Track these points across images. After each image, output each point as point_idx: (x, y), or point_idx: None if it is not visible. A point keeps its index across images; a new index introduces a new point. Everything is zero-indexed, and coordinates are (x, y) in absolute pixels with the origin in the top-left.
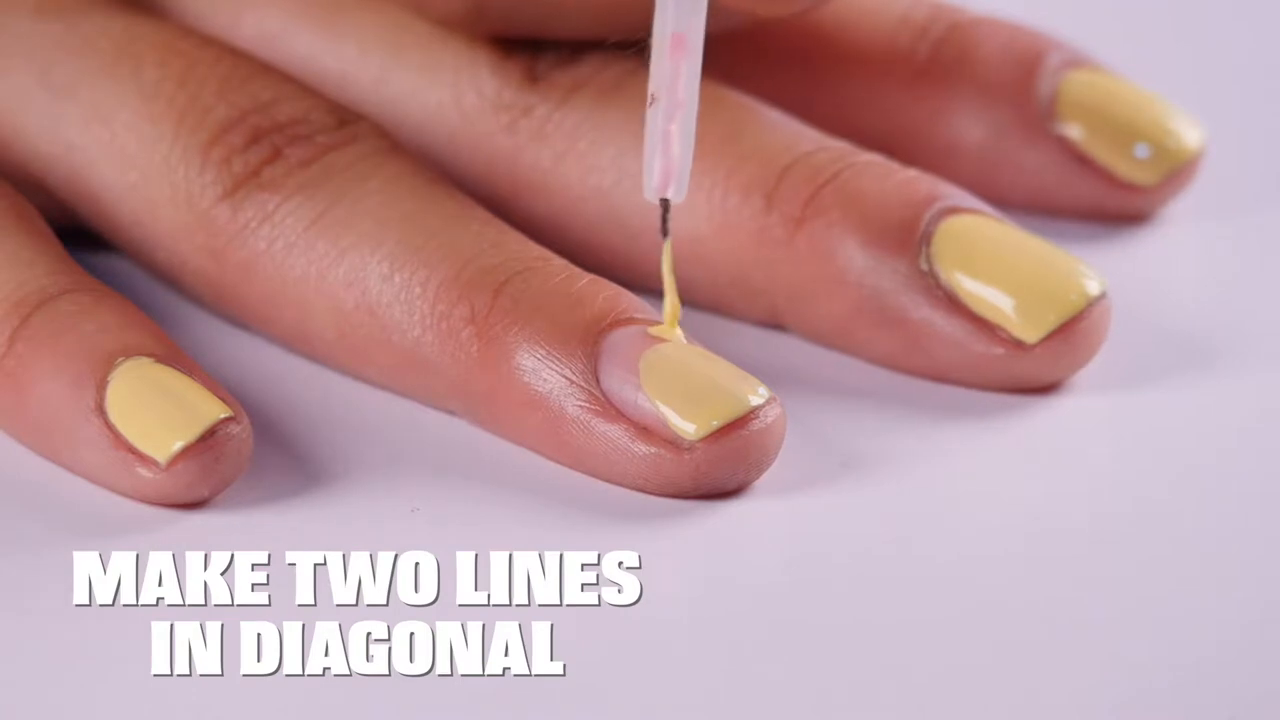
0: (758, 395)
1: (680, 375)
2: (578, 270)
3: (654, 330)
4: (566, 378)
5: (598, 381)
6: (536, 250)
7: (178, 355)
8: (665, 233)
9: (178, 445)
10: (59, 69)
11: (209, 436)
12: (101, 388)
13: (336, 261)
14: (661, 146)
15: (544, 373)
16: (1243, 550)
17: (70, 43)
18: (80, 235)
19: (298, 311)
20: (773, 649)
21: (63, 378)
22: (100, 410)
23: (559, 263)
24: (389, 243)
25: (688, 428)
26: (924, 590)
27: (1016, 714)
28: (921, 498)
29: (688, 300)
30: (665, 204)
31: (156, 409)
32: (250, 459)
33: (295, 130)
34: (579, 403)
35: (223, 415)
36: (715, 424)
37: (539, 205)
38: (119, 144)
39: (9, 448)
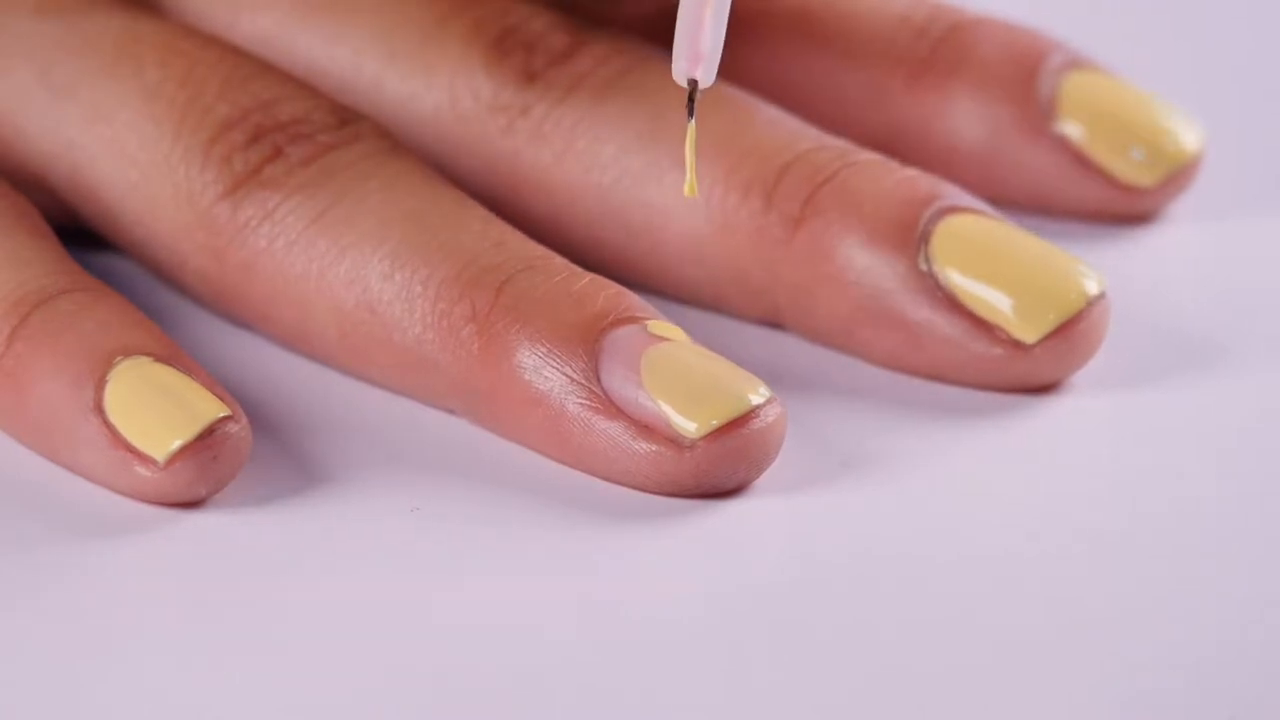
0: (758, 394)
1: (681, 374)
2: (579, 269)
3: (654, 327)
4: (567, 376)
5: (598, 380)
6: (538, 249)
7: (177, 354)
8: (691, 114)
9: (176, 444)
10: (60, 68)
11: (207, 436)
12: (100, 387)
13: (337, 260)
14: (693, 30)
15: (545, 371)
16: (1243, 551)
17: (71, 42)
18: (80, 235)
19: (298, 310)
20: (773, 649)
21: (62, 377)
22: (99, 409)
23: (560, 261)
24: (390, 241)
25: (688, 426)
26: (924, 590)
27: (1017, 714)
28: (921, 497)
29: (686, 300)
30: (693, 84)
31: (155, 408)
32: (248, 458)
33: (297, 129)
34: (580, 400)
35: (221, 414)
36: (715, 423)
37: (538, 204)
38: (120, 143)
39: (9, 447)
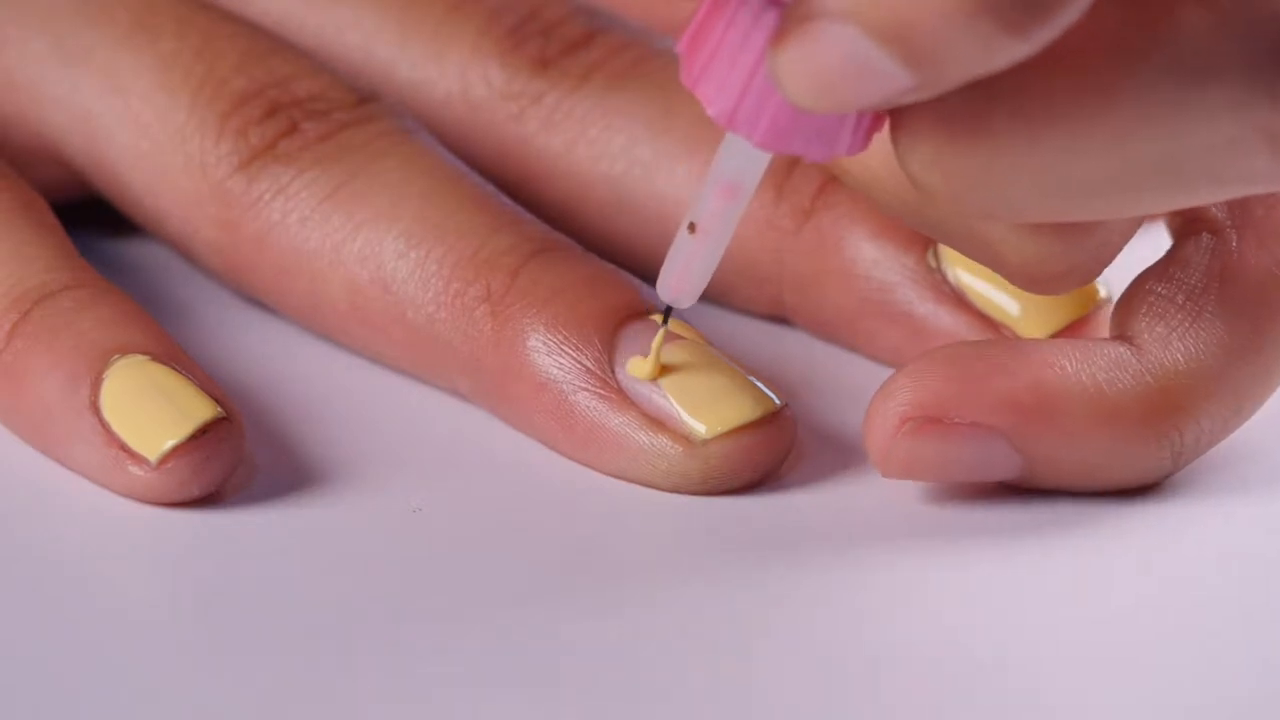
0: (771, 402)
1: (696, 376)
2: (595, 257)
3: (671, 324)
4: (582, 364)
5: (613, 370)
6: (554, 234)
7: (175, 353)
8: (665, 320)
9: (169, 444)
10: (75, 38)
11: (200, 436)
12: (96, 385)
13: (351, 236)
14: (684, 266)
15: (558, 356)
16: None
17: (88, 11)
18: (88, 220)
19: (310, 284)
20: (774, 648)
21: (58, 374)
22: (94, 407)
23: (577, 248)
24: (405, 219)
25: (699, 429)
26: (928, 587)
27: (1022, 713)
28: (925, 496)
29: None
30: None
31: (149, 407)
32: (243, 459)
33: (313, 105)
34: (593, 389)
35: (215, 415)
36: (726, 428)
37: (549, 192)
38: (135, 113)
39: (8, 446)
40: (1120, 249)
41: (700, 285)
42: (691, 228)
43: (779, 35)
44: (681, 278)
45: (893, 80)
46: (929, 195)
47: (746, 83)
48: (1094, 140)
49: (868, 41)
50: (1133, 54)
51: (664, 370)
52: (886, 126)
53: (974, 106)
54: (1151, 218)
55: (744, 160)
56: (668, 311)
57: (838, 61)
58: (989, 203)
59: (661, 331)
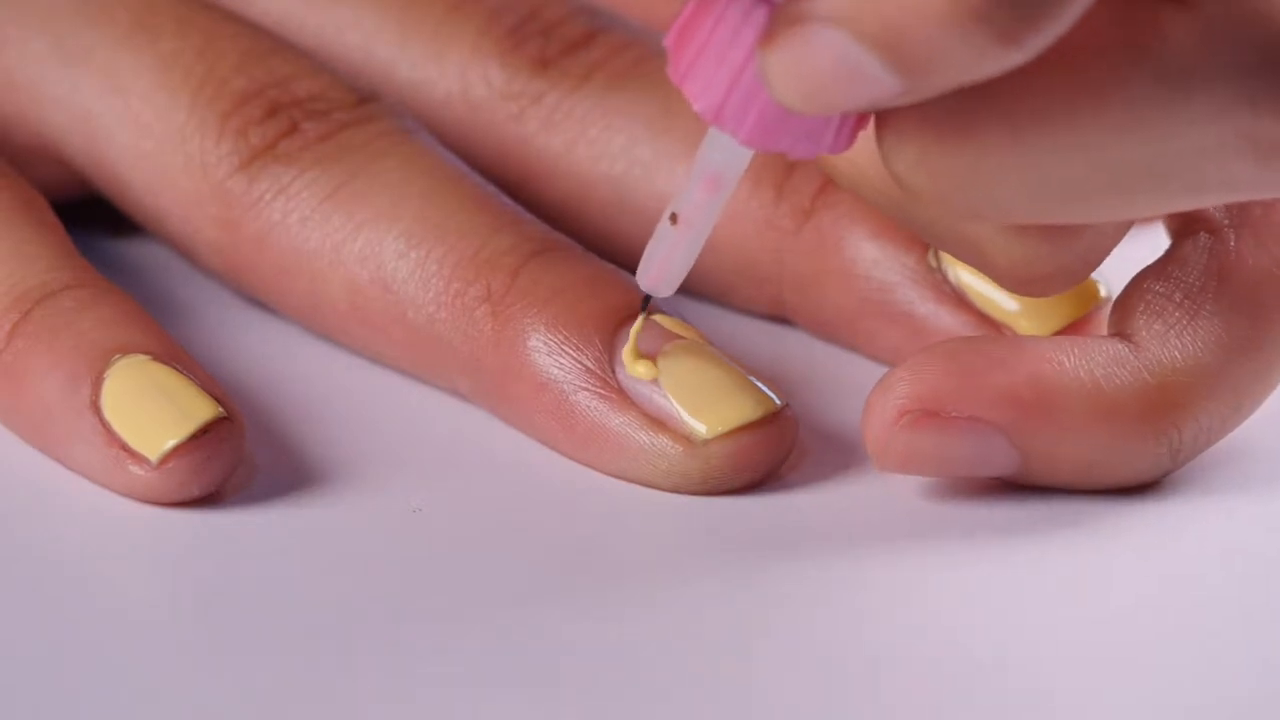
0: (771, 402)
1: (696, 375)
2: (595, 257)
3: (671, 324)
4: (582, 364)
5: (614, 370)
6: (554, 234)
7: (176, 353)
8: (643, 308)
9: (169, 444)
10: (76, 38)
11: (201, 436)
12: (97, 385)
13: (352, 236)
14: (665, 256)
15: (559, 356)
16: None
17: (88, 11)
18: (89, 219)
19: (310, 284)
20: (774, 648)
21: (59, 374)
22: (95, 407)
23: (577, 248)
24: (406, 219)
25: (699, 428)
26: (928, 587)
27: (1022, 713)
28: (925, 495)
29: (694, 288)
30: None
31: (150, 407)
32: (243, 459)
33: (313, 106)
34: (593, 389)
35: (216, 415)
36: (726, 428)
37: (548, 191)
38: (135, 113)
39: (8, 446)
40: (1108, 252)
41: (680, 275)
42: (673, 218)
43: (769, 36)
44: (662, 267)
45: (882, 86)
46: (914, 195)
47: (734, 80)
48: (1079, 143)
49: (858, 47)
50: (1120, 59)
51: (648, 358)
52: (871, 124)
53: (960, 108)
54: (1143, 220)
55: (728, 154)
56: (646, 300)
57: (827, 65)
58: (974, 203)
59: (641, 318)
